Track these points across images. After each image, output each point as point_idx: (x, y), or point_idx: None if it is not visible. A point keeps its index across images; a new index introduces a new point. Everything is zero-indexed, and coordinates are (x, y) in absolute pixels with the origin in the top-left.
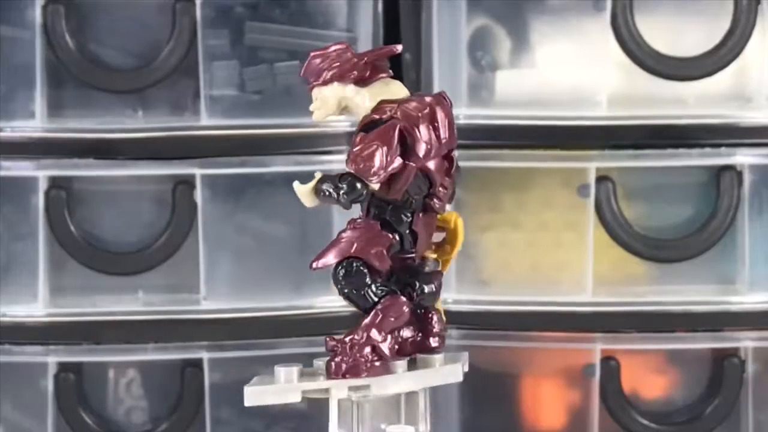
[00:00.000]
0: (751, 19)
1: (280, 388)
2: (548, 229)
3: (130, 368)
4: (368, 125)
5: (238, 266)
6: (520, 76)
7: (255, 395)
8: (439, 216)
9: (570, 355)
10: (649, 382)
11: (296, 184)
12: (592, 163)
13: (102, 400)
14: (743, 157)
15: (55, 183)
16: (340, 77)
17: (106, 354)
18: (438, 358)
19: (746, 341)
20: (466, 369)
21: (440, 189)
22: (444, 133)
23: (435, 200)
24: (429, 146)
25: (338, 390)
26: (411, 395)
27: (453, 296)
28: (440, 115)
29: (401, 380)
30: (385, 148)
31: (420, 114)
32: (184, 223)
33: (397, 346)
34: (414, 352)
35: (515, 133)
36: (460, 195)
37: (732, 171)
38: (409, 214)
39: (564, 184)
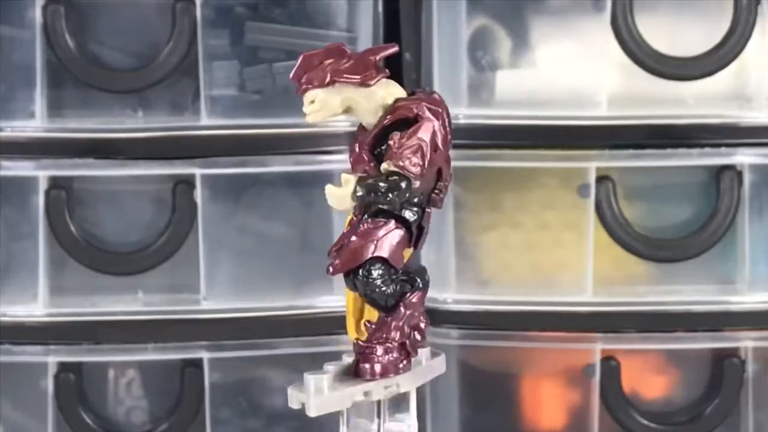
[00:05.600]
0: (751, 19)
1: (335, 398)
2: (548, 229)
3: (130, 368)
4: (399, 123)
5: (238, 266)
6: (520, 76)
7: (318, 407)
8: None
9: (570, 355)
10: (649, 382)
11: (329, 188)
12: (592, 163)
13: (102, 400)
14: (743, 157)
15: (55, 183)
16: (343, 78)
17: (106, 354)
18: (425, 351)
19: (746, 341)
20: None
21: (445, 183)
22: (449, 128)
23: (440, 194)
24: (446, 141)
25: (378, 392)
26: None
27: (453, 296)
28: (447, 110)
29: (419, 375)
30: (425, 145)
31: (440, 110)
32: (184, 223)
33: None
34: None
35: (515, 133)
36: (460, 195)
37: (732, 171)
38: (419, 210)
39: (564, 184)
